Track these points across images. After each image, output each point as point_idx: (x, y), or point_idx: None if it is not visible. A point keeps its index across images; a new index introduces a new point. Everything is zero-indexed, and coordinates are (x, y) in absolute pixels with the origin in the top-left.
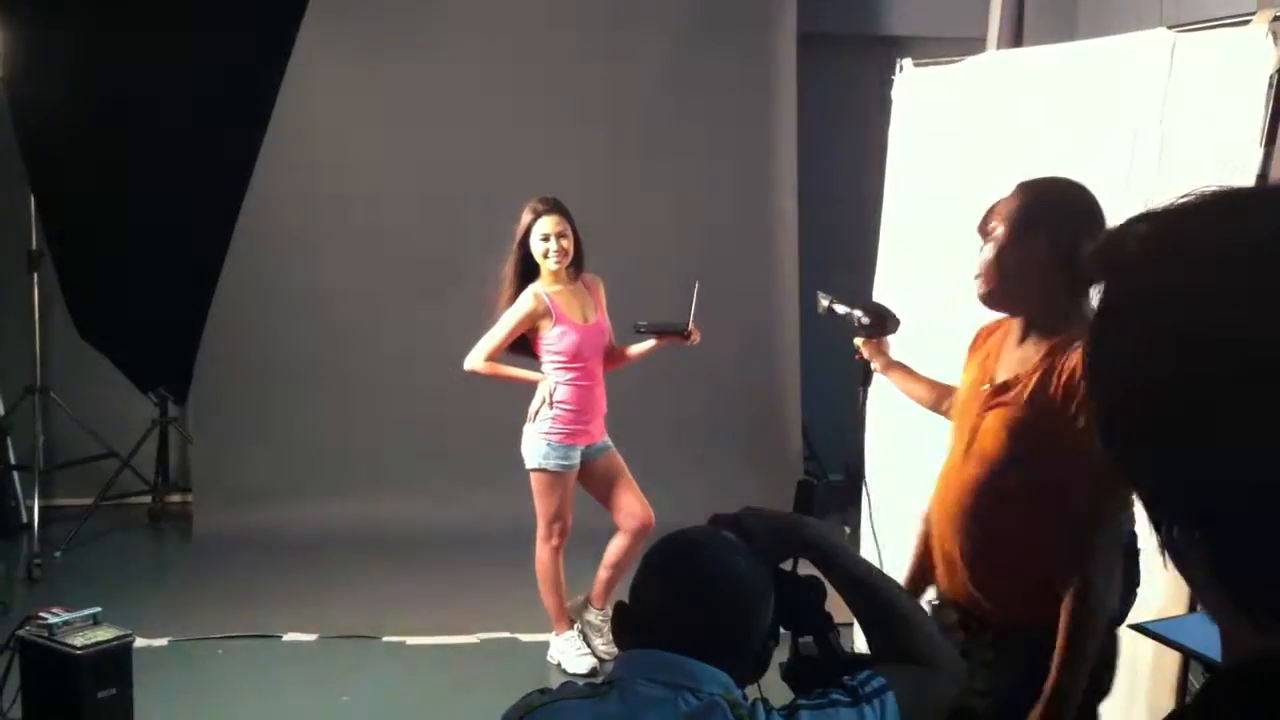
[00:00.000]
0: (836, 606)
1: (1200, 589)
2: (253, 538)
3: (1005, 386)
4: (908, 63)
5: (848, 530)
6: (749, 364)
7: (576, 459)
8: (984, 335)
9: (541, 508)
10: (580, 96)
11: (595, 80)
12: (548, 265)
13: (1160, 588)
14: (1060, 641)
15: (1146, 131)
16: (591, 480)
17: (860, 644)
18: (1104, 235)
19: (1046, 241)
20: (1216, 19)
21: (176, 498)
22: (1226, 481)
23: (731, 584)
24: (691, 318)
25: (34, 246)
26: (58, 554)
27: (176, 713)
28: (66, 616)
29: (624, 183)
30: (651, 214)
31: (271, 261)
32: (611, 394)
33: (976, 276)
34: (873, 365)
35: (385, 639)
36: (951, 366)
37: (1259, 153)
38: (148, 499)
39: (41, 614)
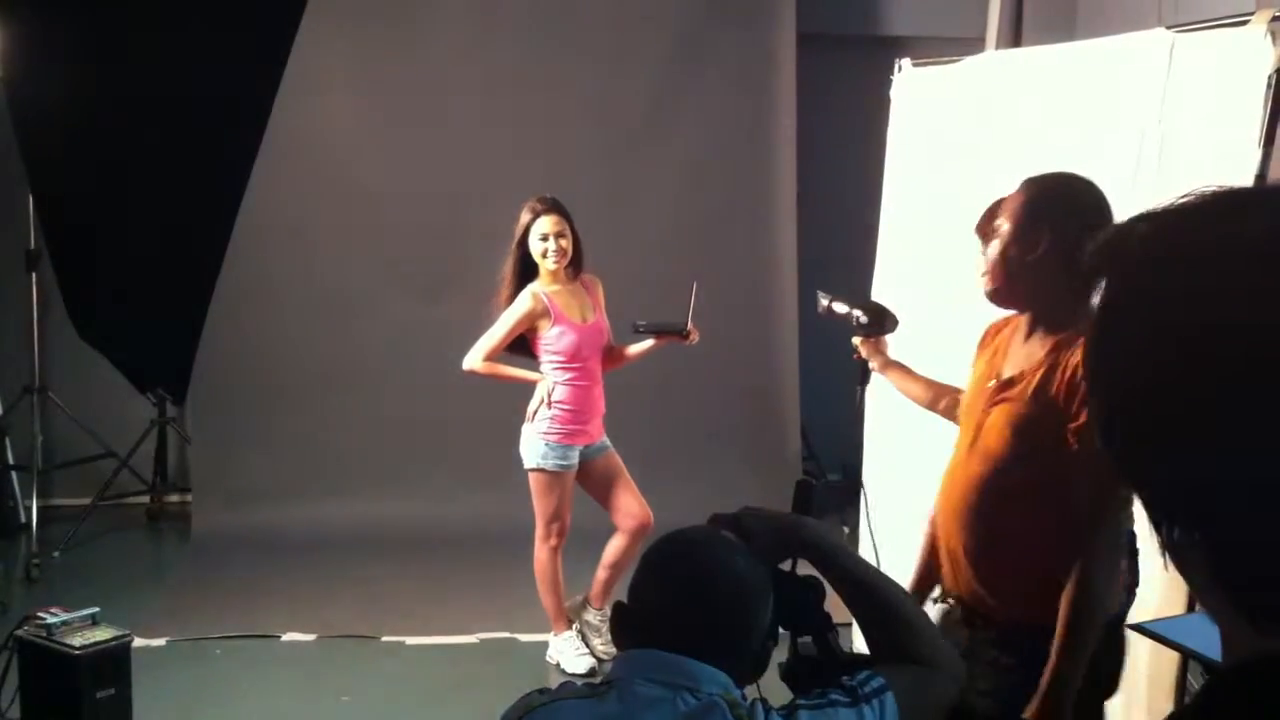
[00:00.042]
0: (835, 607)
1: (1200, 590)
2: (251, 538)
3: (1010, 382)
4: (906, 63)
5: (846, 530)
6: (748, 364)
7: (575, 459)
8: (993, 332)
9: (540, 508)
10: (580, 96)
11: (595, 80)
12: (546, 265)
13: (1159, 588)
14: (1059, 631)
15: (1145, 131)
16: (590, 480)
17: (859, 644)
18: (1104, 235)
19: (1051, 237)
20: (1215, 19)
21: (175, 498)
22: (1226, 482)
23: (730, 584)
24: (690, 317)
25: (33, 246)
26: (56, 554)
27: (175, 713)
28: (65, 616)
29: (623, 182)
30: (650, 214)
31: (270, 261)
32: (610, 394)
33: (983, 274)
34: (870, 364)
35: (384, 639)
36: (950, 366)
37: (1258, 153)
38: (146, 499)
39: (40, 614)
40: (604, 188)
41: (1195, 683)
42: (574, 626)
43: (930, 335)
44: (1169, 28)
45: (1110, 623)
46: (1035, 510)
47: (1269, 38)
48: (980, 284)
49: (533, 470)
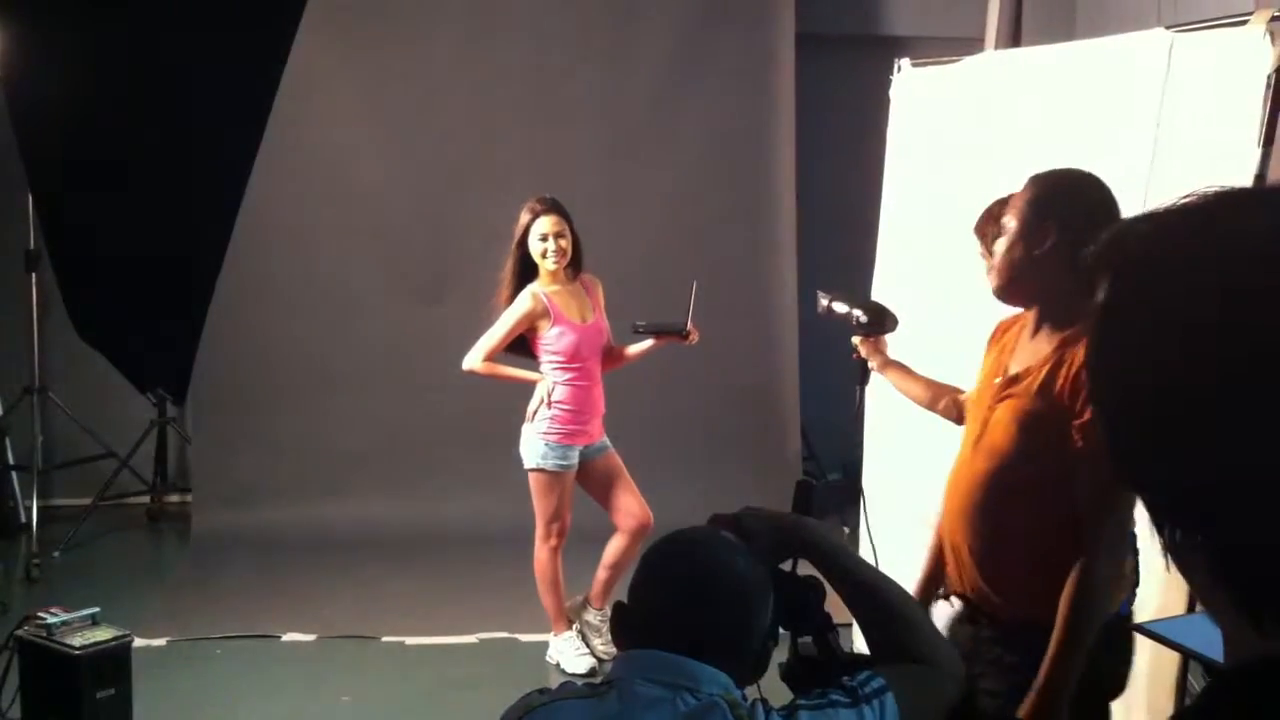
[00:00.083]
0: (836, 607)
1: (1202, 592)
2: (252, 538)
3: (1016, 378)
4: (906, 63)
5: (846, 530)
6: (748, 364)
7: (575, 459)
8: (1001, 329)
9: (540, 508)
10: (580, 96)
11: (595, 80)
12: (546, 265)
13: (1159, 588)
14: (1057, 628)
15: (1144, 131)
16: (590, 480)
17: (860, 644)
18: (1105, 235)
19: (1058, 232)
20: (1214, 19)
21: (175, 498)
22: (1227, 482)
23: (731, 584)
24: (690, 317)
25: (32, 246)
26: (56, 554)
27: (175, 713)
28: (65, 616)
29: (623, 183)
30: (650, 214)
31: (270, 261)
32: (610, 394)
33: (991, 271)
34: (870, 364)
35: (384, 639)
36: (950, 366)
37: (1257, 152)
38: (146, 499)
39: (40, 614)
40: (604, 188)
41: (1195, 683)
42: (574, 627)
43: (930, 335)
44: (1168, 28)
45: (1114, 623)
46: (1040, 507)
47: (1268, 37)
48: (989, 280)
49: (533, 470)
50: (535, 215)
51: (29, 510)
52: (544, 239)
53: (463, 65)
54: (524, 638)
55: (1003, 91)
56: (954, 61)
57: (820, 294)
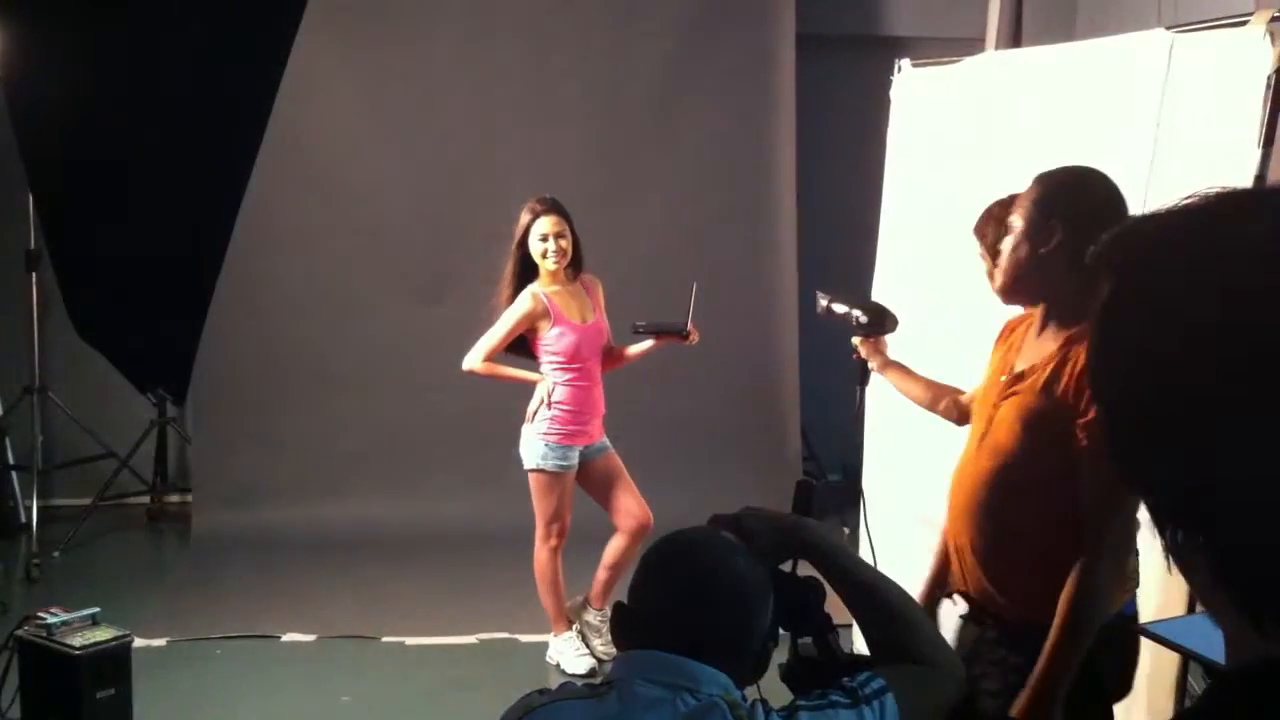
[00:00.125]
0: (836, 608)
1: (1204, 593)
2: (252, 538)
3: (1021, 376)
4: (906, 63)
5: (846, 531)
6: (748, 364)
7: (575, 459)
8: (1009, 328)
9: (540, 508)
10: (579, 96)
11: (594, 80)
12: (546, 265)
13: (1159, 588)
14: (1055, 626)
15: (1144, 132)
16: (590, 481)
17: (860, 645)
18: (1107, 236)
19: (1064, 230)
20: (1214, 19)
21: (175, 498)
22: (1228, 482)
23: (731, 584)
24: (690, 318)
25: (33, 246)
26: (56, 554)
27: (175, 713)
28: (65, 617)
29: (623, 183)
30: (650, 214)
31: (271, 262)
32: (610, 394)
33: (997, 269)
34: (870, 364)
35: (384, 639)
36: (950, 366)
37: (1257, 153)
38: (146, 499)
39: (40, 614)
40: (604, 188)
41: (1195, 683)
42: (574, 627)
43: (930, 335)
44: (1168, 28)
45: (1117, 623)
46: (1043, 506)
47: (1268, 38)
48: (995, 280)
49: (532, 471)
50: (535, 215)
51: (29, 510)
52: (544, 239)
53: (463, 65)
54: (524, 638)
55: (1003, 92)
56: (954, 62)
57: (820, 294)
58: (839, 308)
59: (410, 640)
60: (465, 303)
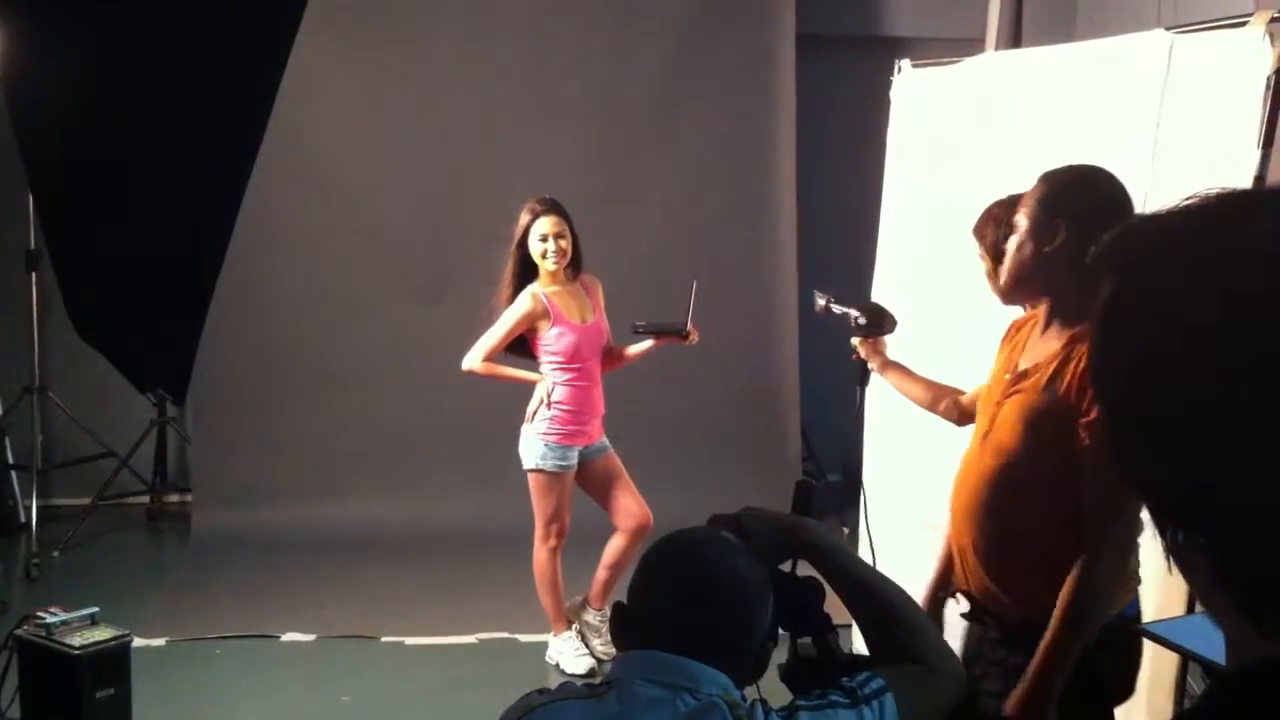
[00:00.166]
0: (835, 608)
1: (1203, 593)
2: (251, 538)
3: (1025, 374)
4: (906, 63)
5: (846, 531)
6: (748, 364)
7: (574, 460)
8: (1016, 327)
9: (539, 508)
10: (579, 97)
11: (594, 80)
12: (546, 266)
13: (1159, 588)
14: (1055, 620)
15: (1144, 132)
16: (589, 481)
17: (859, 645)
18: (1108, 236)
19: (1068, 228)
20: (1214, 20)
21: (175, 498)
22: (1229, 482)
23: (730, 584)
24: (689, 318)
25: (33, 246)
26: (56, 554)
27: (175, 713)
28: (65, 616)
29: (623, 183)
30: (650, 214)
31: (271, 262)
32: (610, 394)
33: (1001, 269)
34: (870, 365)
35: (384, 639)
36: (950, 367)
37: (1256, 153)
38: (146, 499)
39: (39, 614)
40: (604, 188)
41: (1195, 683)
42: (574, 627)
43: (930, 336)
44: (1168, 29)
45: (1120, 624)
46: (1046, 506)
47: (1267, 39)
48: (1000, 278)
49: (532, 471)
50: (535, 216)
51: (29, 510)
52: (544, 239)
53: (463, 65)
54: (523, 638)
55: (1003, 92)
56: (954, 62)
57: (817, 293)
58: (837, 308)
59: (410, 640)
60: (465, 303)
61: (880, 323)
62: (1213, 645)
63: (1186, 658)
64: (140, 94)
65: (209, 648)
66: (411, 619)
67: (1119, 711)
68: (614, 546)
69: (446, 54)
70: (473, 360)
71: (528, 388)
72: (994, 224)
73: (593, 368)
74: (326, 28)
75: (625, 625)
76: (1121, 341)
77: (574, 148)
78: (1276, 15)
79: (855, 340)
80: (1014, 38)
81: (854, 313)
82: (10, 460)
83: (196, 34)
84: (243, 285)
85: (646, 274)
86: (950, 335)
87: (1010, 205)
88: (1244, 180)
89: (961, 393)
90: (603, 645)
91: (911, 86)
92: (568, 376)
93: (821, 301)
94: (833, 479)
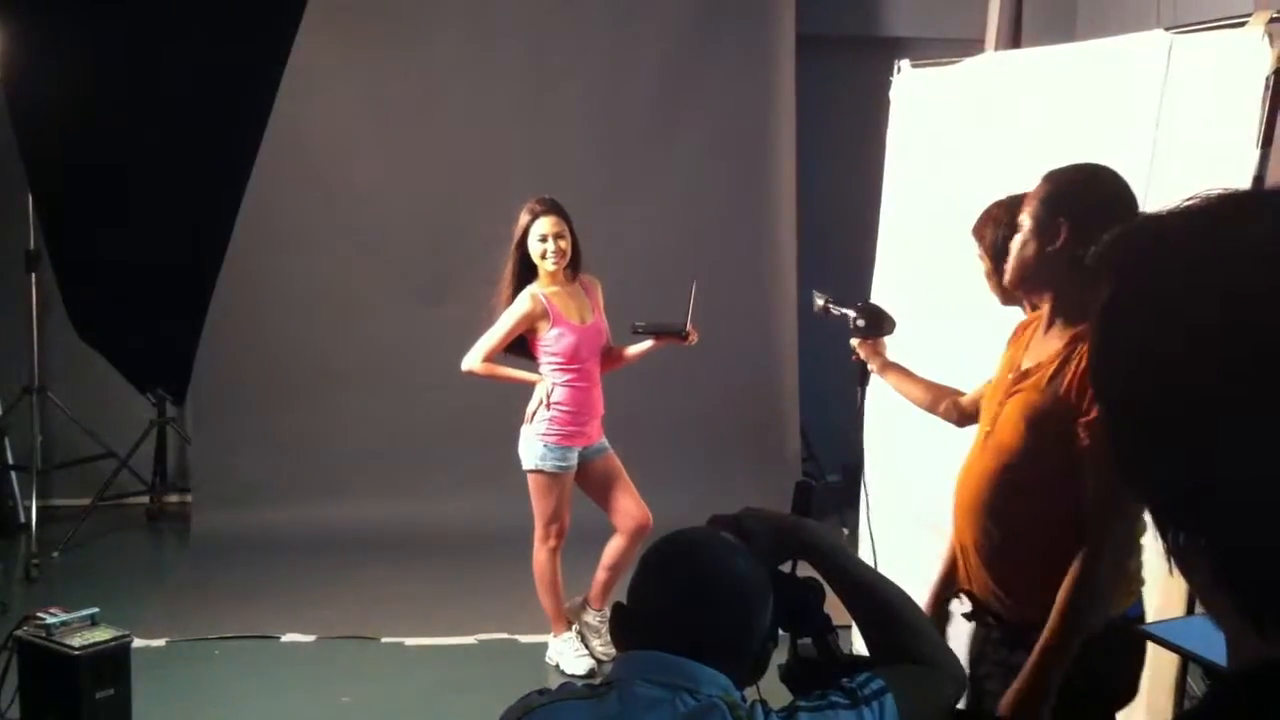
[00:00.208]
0: (835, 608)
1: (1204, 594)
2: (251, 538)
3: (1027, 374)
4: (906, 64)
5: (846, 532)
6: (747, 364)
7: (574, 460)
8: (1022, 327)
9: (539, 509)
10: (579, 97)
11: (594, 80)
12: (545, 266)
13: (1159, 589)
14: (1052, 618)
15: (1143, 133)
16: (589, 482)
17: (859, 646)
18: (1108, 237)
19: (1070, 227)
20: (1213, 20)
21: (174, 498)
22: (1230, 483)
23: (730, 585)
24: (689, 318)
25: (32, 246)
26: (56, 554)
27: (175, 713)
28: (64, 617)
29: (622, 183)
30: (650, 214)
31: (271, 261)
32: (609, 394)
33: (989, 274)
34: (869, 366)
35: (384, 639)
36: (950, 368)
37: (1255, 154)
38: (146, 499)
39: (39, 614)
40: (604, 188)
41: (1195, 684)
42: (573, 628)
43: (930, 336)
44: (1167, 29)
45: (1123, 625)
46: (1047, 506)
47: (1266, 39)
48: (1005, 276)
49: (531, 471)
50: (535, 216)
51: (28, 510)
52: (543, 240)
53: (463, 65)
54: (523, 639)
55: (1002, 93)
56: (954, 62)
57: (816, 294)
58: (836, 309)
59: (410, 641)
60: (465, 303)
61: (879, 324)
62: (1213, 646)
63: (1186, 658)
64: (140, 94)
65: (209, 648)
66: (411, 620)
67: (1120, 714)
68: (613, 547)
69: (446, 54)
70: (472, 361)
71: (527, 388)
72: (993, 224)
73: (592, 368)
74: (326, 28)
75: (625, 626)
76: (1122, 341)
77: (574, 148)
78: (1276, 15)
79: (854, 342)
80: (1014, 38)
81: (852, 314)
82: (10, 461)
83: (196, 34)
84: (243, 285)
85: (646, 274)
86: (950, 336)
87: (1009, 206)
88: (1243, 180)
89: (961, 394)
90: (603, 646)
91: (911, 87)
92: (567, 377)
93: (820, 302)
94: (832, 479)
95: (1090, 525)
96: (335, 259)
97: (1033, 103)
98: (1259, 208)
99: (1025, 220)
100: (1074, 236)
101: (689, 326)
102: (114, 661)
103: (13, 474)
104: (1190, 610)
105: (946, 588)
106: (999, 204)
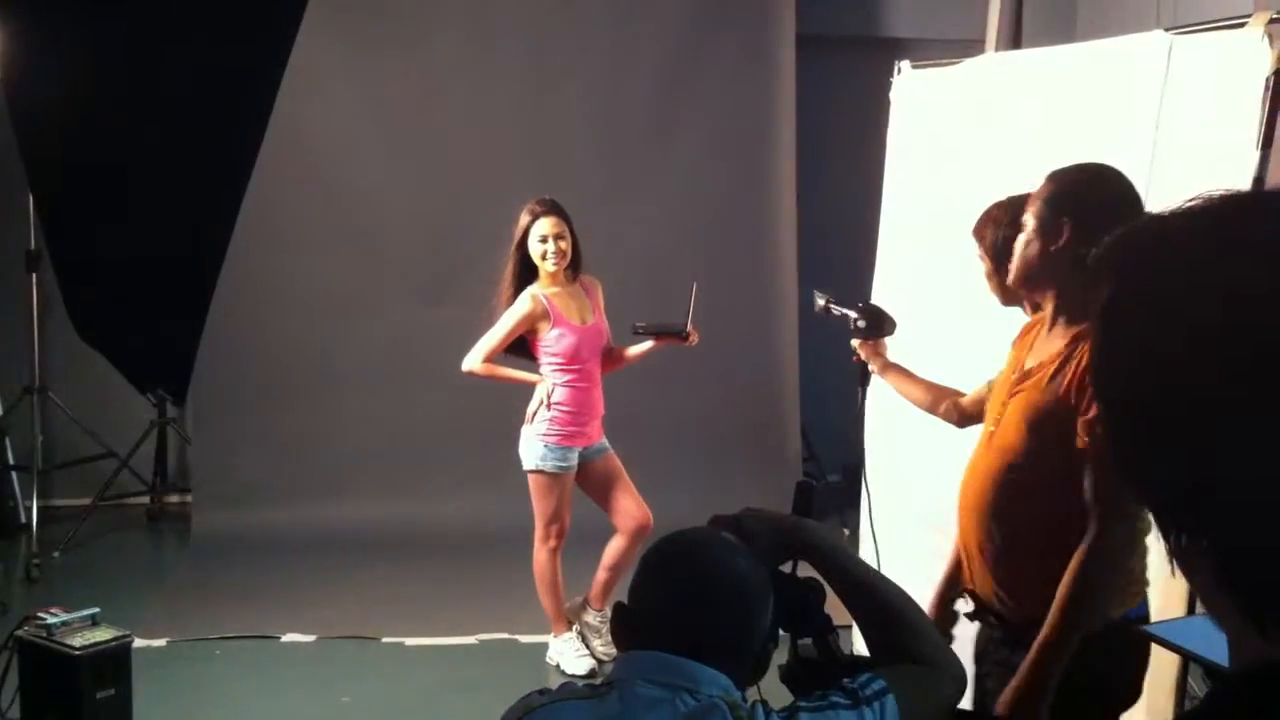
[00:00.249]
0: (836, 609)
1: (1205, 595)
2: (251, 538)
3: (1029, 374)
4: (906, 64)
5: (846, 532)
6: (748, 365)
7: (574, 461)
8: (1028, 328)
9: (539, 509)
10: (579, 97)
11: (594, 80)
12: (546, 267)
13: (1159, 589)
14: (1053, 607)
15: (1143, 133)
16: (589, 482)
17: (860, 646)
18: (1109, 237)
19: (1072, 227)
20: (1213, 21)
21: (175, 498)
22: (1231, 483)
23: (731, 585)
24: (689, 318)
25: (33, 246)
26: (56, 554)
27: (175, 713)
28: (65, 617)
29: (623, 183)
30: (650, 215)
31: (271, 261)
32: (609, 395)
33: (1000, 269)
34: (870, 367)
35: (384, 639)
36: (950, 368)
37: (1255, 154)
38: (146, 499)
39: (40, 614)
40: (604, 188)
41: (1195, 684)
42: (574, 628)
43: (930, 337)
44: (1167, 29)
45: (1120, 625)
46: (1049, 506)
47: (1266, 39)
48: (988, 283)
49: (532, 472)
50: (535, 217)
51: (29, 510)
52: (544, 240)
53: (463, 65)
54: (524, 639)
55: (1003, 94)
56: (954, 63)
57: (817, 294)
58: (837, 309)
59: (410, 641)
60: (465, 303)
61: (880, 325)
62: (1213, 646)
63: (1187, 659)
64: (140, 94)
65: (209, 648)
66: (411, 620)
67: (1122, 715)
68: (614, 547)
69: (446, 54)
70: (473, 361)
71: (528, 389)
72: (993, 225)
73: (592, 369)
74: (327, 28)
75: (626, 626)
76: (1123, 341)
77: (574, 148)
78: (1276, 16)
79: (855, 342)
80: (1014, 39)
81: (853, 315)
82: (10, 461)
83: (196, 34)
84: (243, 285)
85: (646, 274)
86: (950, 336)
87: (1010, 206)
88: (1243, 181)
89: (961, 394)
90: (603, 646)
91: (911, 87)
92: (568, 377)
93: (821, 302)
94: (833, 479)
95: (1089, 524)
96: (335, 259)
97: (1033, 103)
98: (1260, 208)
99: (1029, 220)
100: (1077, 236)
101: (689, 327)
102: (114, 661)
103: (13, 474)
104: (1191, 610)
105: (951, 587)
106: (999, 205)
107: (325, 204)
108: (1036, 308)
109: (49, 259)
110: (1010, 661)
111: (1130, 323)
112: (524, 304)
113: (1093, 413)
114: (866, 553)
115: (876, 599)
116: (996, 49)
